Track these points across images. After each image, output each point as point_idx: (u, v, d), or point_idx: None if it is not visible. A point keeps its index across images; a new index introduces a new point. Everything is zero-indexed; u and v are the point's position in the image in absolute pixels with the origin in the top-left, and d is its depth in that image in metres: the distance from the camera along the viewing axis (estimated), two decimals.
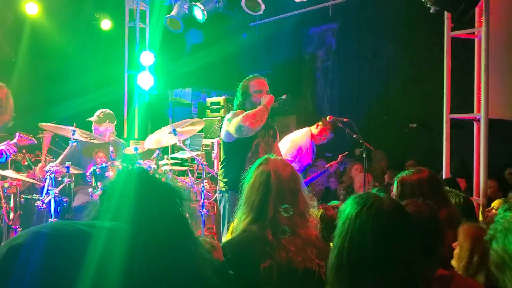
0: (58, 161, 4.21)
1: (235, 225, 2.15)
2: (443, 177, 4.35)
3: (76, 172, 4.55)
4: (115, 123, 5.27)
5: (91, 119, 5.10)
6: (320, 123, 5.16)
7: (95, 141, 4.60)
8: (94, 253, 0.94)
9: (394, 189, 2.61)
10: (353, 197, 1.46)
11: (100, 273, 0.91)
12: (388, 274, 1.32)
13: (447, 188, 2.93)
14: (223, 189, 3.85)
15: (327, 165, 5.47)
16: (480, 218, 3.85)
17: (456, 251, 2.14)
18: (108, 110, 5.19)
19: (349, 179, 6.66)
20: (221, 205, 3.90)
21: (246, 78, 3.91)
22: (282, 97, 3.84)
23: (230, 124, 3.67)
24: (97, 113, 5.17)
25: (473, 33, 4.37)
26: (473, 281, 1.96)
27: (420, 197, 2.22)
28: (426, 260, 1.78)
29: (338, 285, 1.37)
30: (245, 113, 3.65)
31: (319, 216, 2.91)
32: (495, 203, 3.52)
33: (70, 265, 0.91)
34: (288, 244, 1.99)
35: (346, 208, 1.42)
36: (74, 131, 4.13)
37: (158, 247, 1.15)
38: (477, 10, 4.22)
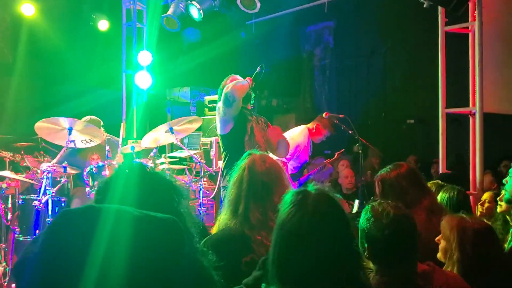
0: (55, 161, 4.22)
1: (218, 222, 2.15)
2: (440, 171, 4.36)
3: (73, 172, 4.56)
4: (102, 124, 5.23)
5: None
6: (315, 121, 5.15)
7: (92, 144, 4.56)
8: (104, 229, 0.92)
9: (376, 187, 2.63)
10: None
11: (109, 250, 0.90)
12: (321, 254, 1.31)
13: (440, 182, 2.94)
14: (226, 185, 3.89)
15: (324, 162, 5.45)
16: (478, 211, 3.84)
17: (442, 245, 2.12)
18: (91, 118, 5.12)
19: (336, 174, 6.66)
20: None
21: (224, 80, 4.01)
22: (257, 70, 3.95)
23: (220, 108, 3.79)
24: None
25: (467, 27, 4.37)
26: (451, 273, 1.97)
27: (400, 192, 2.25)
28: (406, 261, 1.78)
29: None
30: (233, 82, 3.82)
31: None
32: (486, 196, 3.53)
33: (80, 239, 0.91)
34: (265, 239, 1.96)
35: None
36: (70, 129, 4.11)
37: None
38: (470, 4, 4.22)
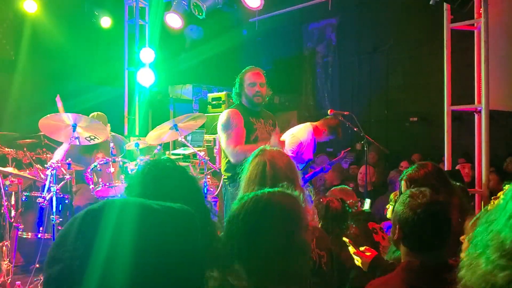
0: (59, 157, 4.19)
1: None
2: (445, 169, 4.35)
3: (77, 168, 4.55)
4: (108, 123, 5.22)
5: None
6: (322, 121, 5.11)
7: (96, 141, 4.52)
8: (108, 223, 0.92)
9: (402, 188, 2.58)
10: None
11: (113, 244, 0.89)
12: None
13: None
14: (226, 183, 3.88)
15: (332, 161, 5.43)
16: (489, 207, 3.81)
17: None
18: (98, 114, 5.11)
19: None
20: (225, 198, 3.94)
21: (244, 70, 3.97)
22: None
23: (224, 145, 3.79)
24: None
25: (473, 24, 4.35)
26: None
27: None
28: (438, 250, 1.78)
29: None
30: (243, 149, 3.65)
31: (324, 209, 2.91)
32: (501, 194, 3.50)
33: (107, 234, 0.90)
34: None
35: None
36: (75, 125, 4.08)
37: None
38: (476, 1, 4.20)
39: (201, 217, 1.22)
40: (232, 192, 3.73)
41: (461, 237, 2.11)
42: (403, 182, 2.55)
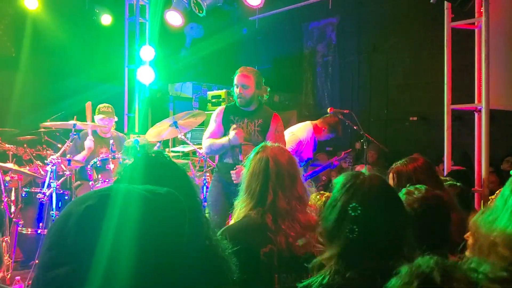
0: (58, 154, 4.19)
1: (236, 215, 2.15)
2: (445, 167, 4.36)
3: (78, 165, 4.56)
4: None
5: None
6: (322, 119, 5.10)
7: (96, 130, 4.48)
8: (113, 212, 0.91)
9: (390, 180, 2.57)
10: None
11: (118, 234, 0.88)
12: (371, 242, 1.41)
13: (448, 179, 2.93)
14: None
15: (329, 160, 5.43)
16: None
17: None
18: (105, 105, 5.15)
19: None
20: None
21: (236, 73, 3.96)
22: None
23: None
24: (103, 108, 5.07)
25: (473, 23, 4.37)
26: None
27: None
28: (437, 249, 1.79)
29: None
30: (208, 142, 3.92)
31: (322, 204, 2.92)
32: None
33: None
34: (287, 229, 2.00)
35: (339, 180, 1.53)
36: (75, 124, 4.10)
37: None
38: (476, 0, 4.21)
39: (190, 213, 1.23)
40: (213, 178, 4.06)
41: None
42: (390, 175, 2.54)
